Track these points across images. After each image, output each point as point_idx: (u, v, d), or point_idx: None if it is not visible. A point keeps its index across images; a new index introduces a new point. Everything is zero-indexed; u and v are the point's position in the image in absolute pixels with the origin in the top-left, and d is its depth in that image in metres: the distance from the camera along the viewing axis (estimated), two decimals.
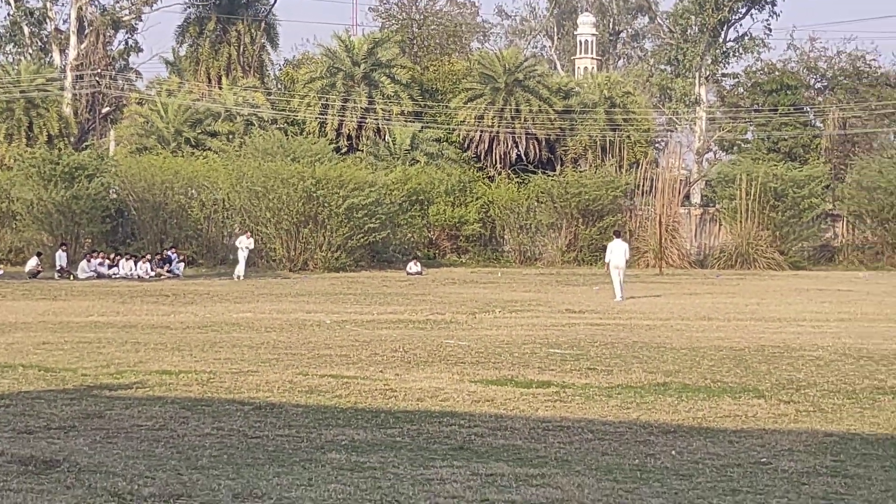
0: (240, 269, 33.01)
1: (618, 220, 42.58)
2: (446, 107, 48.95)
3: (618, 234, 27.15)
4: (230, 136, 43.86)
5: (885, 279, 36.51)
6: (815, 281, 35.92)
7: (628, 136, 47.51)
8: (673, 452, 7.70)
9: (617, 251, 24.57)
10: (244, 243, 33.89)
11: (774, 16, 52.27)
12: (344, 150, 45.01)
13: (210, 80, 49.06)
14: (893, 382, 11.75)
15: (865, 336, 17.40)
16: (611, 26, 73.38)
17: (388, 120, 46.69)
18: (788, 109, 51.22)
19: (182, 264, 34.00)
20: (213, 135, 43.25)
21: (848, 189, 43.43)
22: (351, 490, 6.15)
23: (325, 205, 36.81)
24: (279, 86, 55.13)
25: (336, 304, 24.39)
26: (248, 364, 12.56)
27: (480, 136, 47.13)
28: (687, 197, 48.33)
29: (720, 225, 44.47)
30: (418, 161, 43.96)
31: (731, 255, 41.67)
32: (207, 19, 49.85)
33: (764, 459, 7.56)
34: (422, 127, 46.98)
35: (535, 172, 44.24)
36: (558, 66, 68.35)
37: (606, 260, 25.25)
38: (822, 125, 54.15)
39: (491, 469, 7.01)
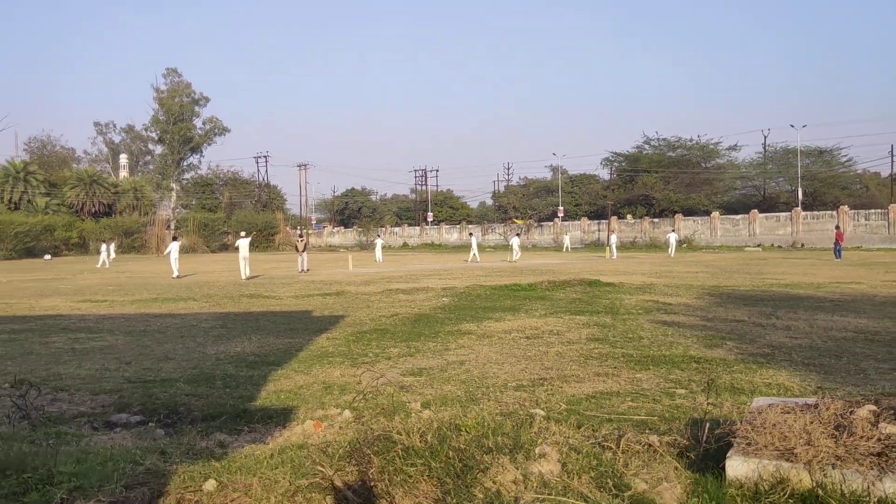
0: None
1: (147, 235, 77.73)
2: (61, 190, 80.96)
3: (245, 237, 28.95)
4: None
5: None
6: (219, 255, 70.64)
7: (143, 202, 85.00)
8: (157, 324, 11.56)
9: (244, 245, 27.00)
10: None
11: (203, 156, 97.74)
12: (13, 208, 75.84)
13: None
14: (206, 292, 16.52)
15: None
16: (136, 158, 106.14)
17: (34, 195, 78.25)
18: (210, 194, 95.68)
19: None
20: None
21: (234, 221, 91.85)
22: (9, 349, 9.39)
23: (6, 231, 67.32)
24: None
25: (11, 274, 34.14)
26: None
27: (78, 202, 79.18)
28: (168, 226, 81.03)
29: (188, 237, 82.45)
30: (49, 213, 76.45)
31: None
32: None
33: (194, 323, 11.77)
34: (50, 199, 79.33)
35: (104, 216, 78.54)
36: (112, 174, 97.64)
37: (239, 251, 27.28)
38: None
39: (77, 336, 10.29)
